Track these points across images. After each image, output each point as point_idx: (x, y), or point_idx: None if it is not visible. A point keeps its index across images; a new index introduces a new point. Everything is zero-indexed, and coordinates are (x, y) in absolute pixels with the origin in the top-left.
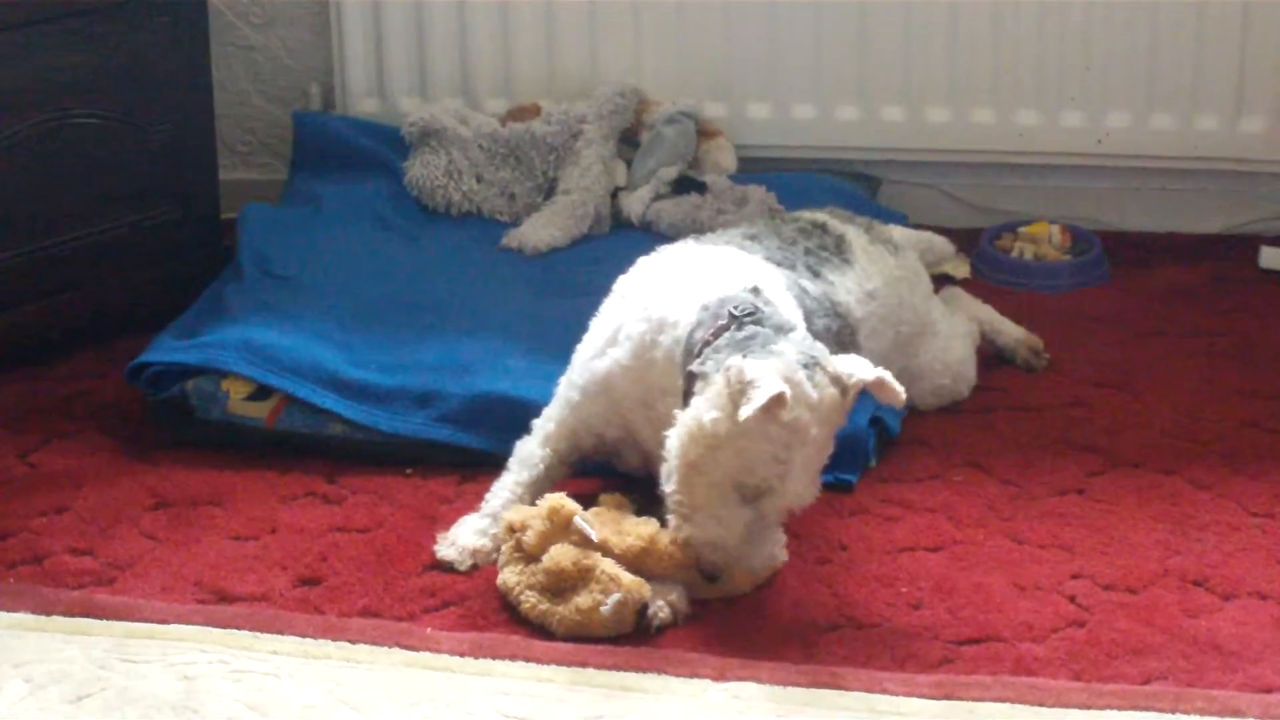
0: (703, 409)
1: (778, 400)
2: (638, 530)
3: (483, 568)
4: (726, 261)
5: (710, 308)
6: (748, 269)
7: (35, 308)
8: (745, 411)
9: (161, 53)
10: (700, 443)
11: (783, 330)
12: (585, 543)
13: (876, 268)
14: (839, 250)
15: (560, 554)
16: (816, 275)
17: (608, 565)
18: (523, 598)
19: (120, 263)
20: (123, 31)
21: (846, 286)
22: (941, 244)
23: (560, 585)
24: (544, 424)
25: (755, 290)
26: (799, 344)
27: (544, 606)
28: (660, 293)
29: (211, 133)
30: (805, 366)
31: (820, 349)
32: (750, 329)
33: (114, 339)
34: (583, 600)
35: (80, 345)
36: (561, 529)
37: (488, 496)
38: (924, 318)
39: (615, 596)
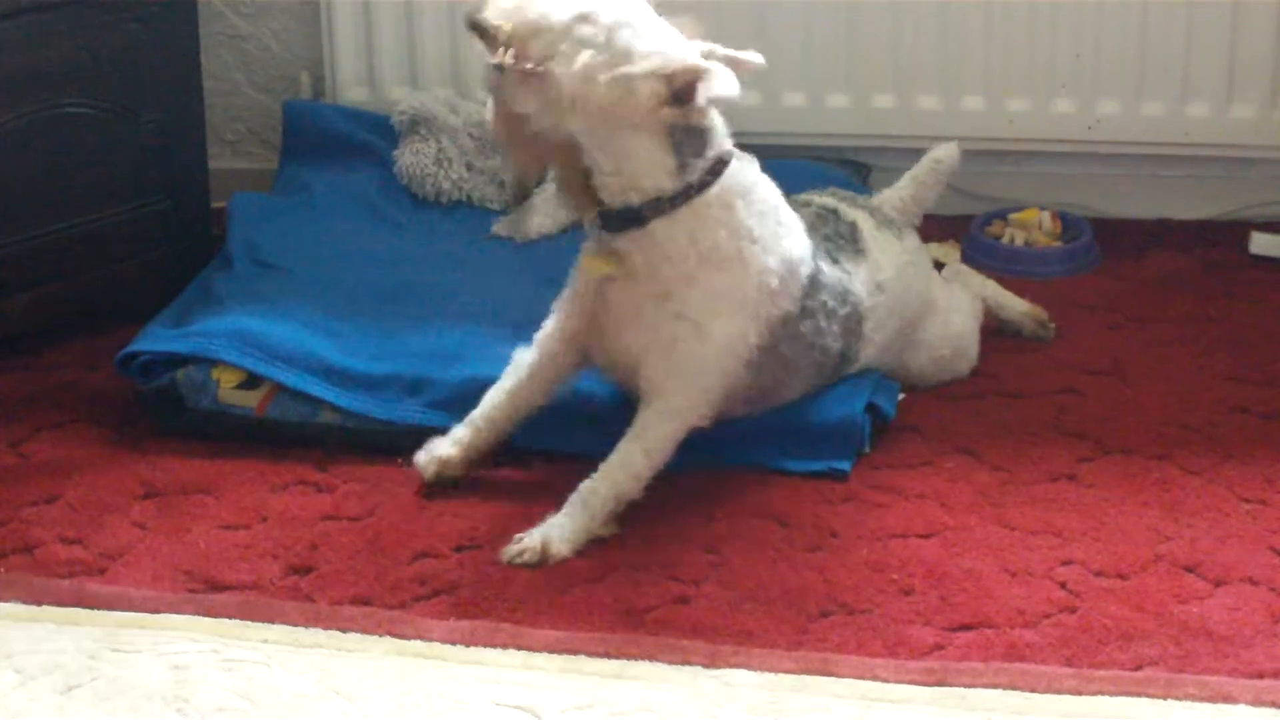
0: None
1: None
2: None
3: (444, 476)
4: None
5: None
6: None
7: (25, 297)
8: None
9: (151, 42)
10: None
11: None
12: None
13: (887, 257)
14: (853, 239)
15: None
16: (835, 262)
17: None
18: None
19: (110, 252)
20: (112, 21)
21: (861, 278)
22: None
23: None
24: (540, 331)
25: None
26: None
27: None
28: None
29: (201, 122)
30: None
31: None
32: None
33: (104, 328)
34: None
35: (70, 334)
36: None
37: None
38: (927, 298)
39: None
